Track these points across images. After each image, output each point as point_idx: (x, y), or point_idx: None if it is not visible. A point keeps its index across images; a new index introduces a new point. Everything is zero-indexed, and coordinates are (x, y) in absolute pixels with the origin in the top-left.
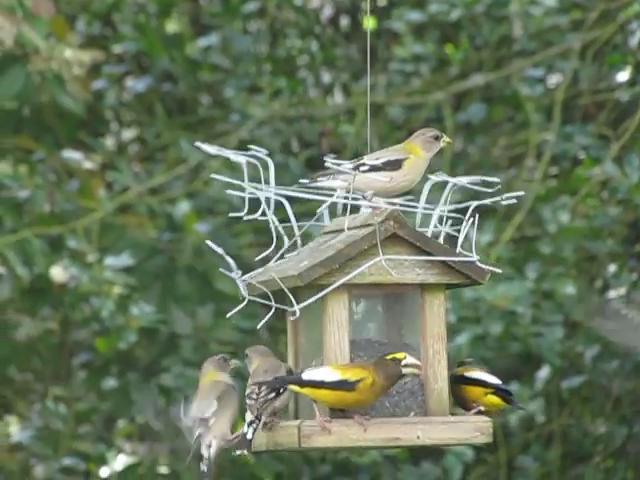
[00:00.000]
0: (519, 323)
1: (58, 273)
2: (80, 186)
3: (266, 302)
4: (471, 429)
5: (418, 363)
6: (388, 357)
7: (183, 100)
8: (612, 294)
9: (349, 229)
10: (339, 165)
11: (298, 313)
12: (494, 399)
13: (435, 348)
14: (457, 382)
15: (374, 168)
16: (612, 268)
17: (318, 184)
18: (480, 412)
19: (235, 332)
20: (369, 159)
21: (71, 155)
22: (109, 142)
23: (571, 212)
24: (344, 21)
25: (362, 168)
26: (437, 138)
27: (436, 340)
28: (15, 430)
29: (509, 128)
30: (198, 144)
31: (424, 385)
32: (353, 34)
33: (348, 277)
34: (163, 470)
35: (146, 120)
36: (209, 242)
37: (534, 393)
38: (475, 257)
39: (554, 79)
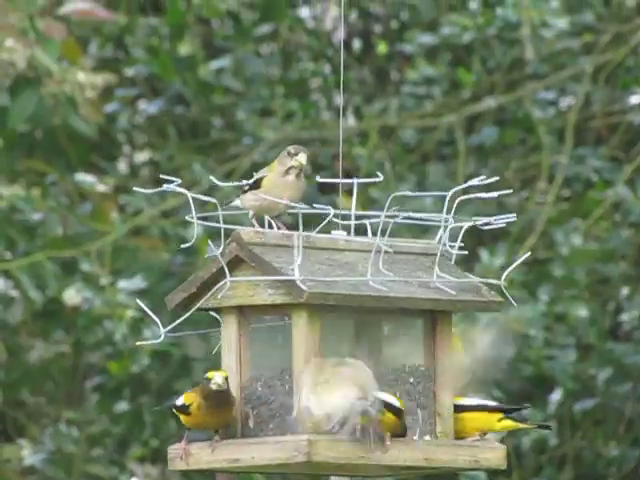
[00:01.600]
0: (532, 346)
1: (71, 296)
2: (93, 209)
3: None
4: (486, 452)
5: (221, 380)
6: (207, 376)
7: (195, 123)
8: (625, 316)
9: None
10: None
11: (163, 336)
12: (508, 423)
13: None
14: (455, 411)
15: (248, 188)
16: (625, 290)
17: (233, 202)
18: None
19: None
20: (250, 179)
21: (84, 178)
22: (122, 165)
23: (583, 235)
24: (356, 44)
25: (245, 188)
26: (290, 154)
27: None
28: (27, 454)
29: (521, 151)
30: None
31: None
32: (365, 57)
33: (201, 302)
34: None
35: (158, 143)
36: (210, 243)
37: (547, 416)
38: (297, 277)
39: (566, 102)
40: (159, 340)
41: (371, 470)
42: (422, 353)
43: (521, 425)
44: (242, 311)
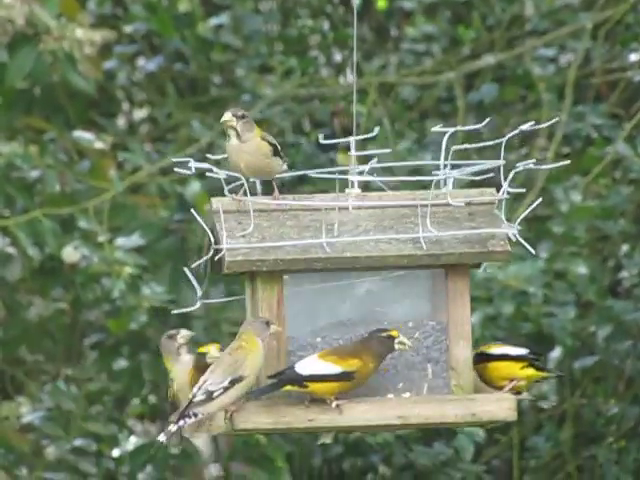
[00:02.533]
0: (531, 303)
1: (69, 253)
2: (91, 166)
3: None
4: (504, 407)
5: (408, 341)
6: (382, 334)
7: (194, 80)
8: (625, 273)
9: None
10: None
11: (198, 304)
12: (530, 371)
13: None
14: (481, 361)
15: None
16: (625, 248)
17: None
18: (513, 389)
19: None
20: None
21: (82, 135)
22: (120, 122)
23: (583, 192)
24: (356, 0)
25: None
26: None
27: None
28: (26, 411)
29: (521, 108)
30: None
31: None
32: (365, 13)
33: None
34: (174, 450)
35: (157, 100)
36: (193, 210)
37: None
38: (225, 245)
39: (566, 59)
40: (195, 307)
41: (330, 430)
42: (430, 307)
43: (543, 373)
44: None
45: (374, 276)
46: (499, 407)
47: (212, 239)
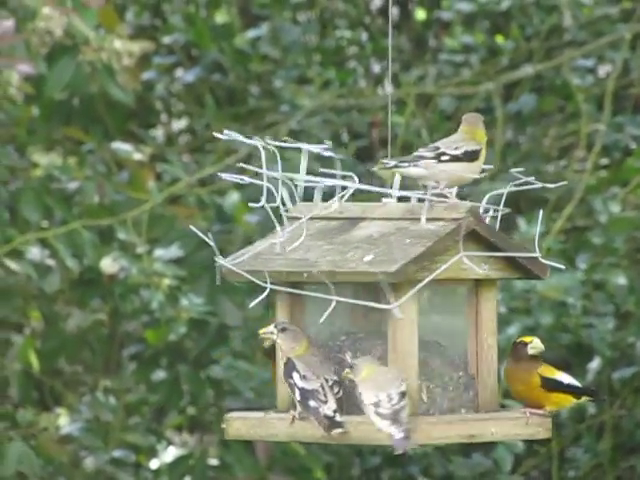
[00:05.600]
0: (570, 314)
1: (108, 265)
2: (130, 177)
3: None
4: (534, 424)
5: (541, 346)
6: (517, 341)
7: (233, 91)
8: None
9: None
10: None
11: (398, 312)
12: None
13: (489, 342)
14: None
15: (454, 158)
16: None
17: (400, 169)
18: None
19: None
20: (447, 148)
21: (121, 146)
22: (159, 133)
23: (622, 202)
24: (394, 11)
25: (443, 158)
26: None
27: (490, 334)
28: (65, 422)
29: (559, 118)
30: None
31: (477, 380)
32: (403, 25)
33: (436, 273)
34: (213, 462)
35: (196, 111)
36: (192, 227)
37: (585, 384)
38: (538, 253)
39: (604, 69)
40: (398, 316)
41: None
42: (463, 322)
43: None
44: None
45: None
46: (543, 428)
47: (460, 247)
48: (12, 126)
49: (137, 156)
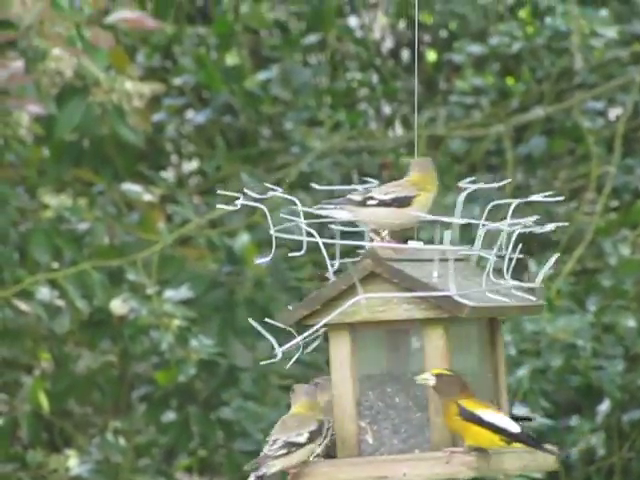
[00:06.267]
0: (580, 356)
1: (117, 306)
2: (140, 218)
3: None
4: (456, 463)
5: (429, 379)
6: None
7: (243, 132)
8: None
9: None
10: (346, 197)
11: (279, 355)
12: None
13: None
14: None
15: (382, 203)
16: None
17: (321, 212)
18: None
19: (295, 365)
20: (378, 193)
21: (131, 187)
22: (169, 174)
23: (632, 245)
24: (405, 53)
25: (369, 202)
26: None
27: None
28: (74, 463)
29: (570, 161)
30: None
31: (429, 420)
32: (413, 67)
33: (328, 318)
34: None
35: (206, 152)
36: (350, 265)
37: (595, 427)
38: (452, 292)
39: (615, 112)
40: (276, 360)
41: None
42: (480, 359)
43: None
44: (354, 328)
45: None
46: (551, 461)
47: (359, 289)
48: (22, 167)
49: (147, 197)
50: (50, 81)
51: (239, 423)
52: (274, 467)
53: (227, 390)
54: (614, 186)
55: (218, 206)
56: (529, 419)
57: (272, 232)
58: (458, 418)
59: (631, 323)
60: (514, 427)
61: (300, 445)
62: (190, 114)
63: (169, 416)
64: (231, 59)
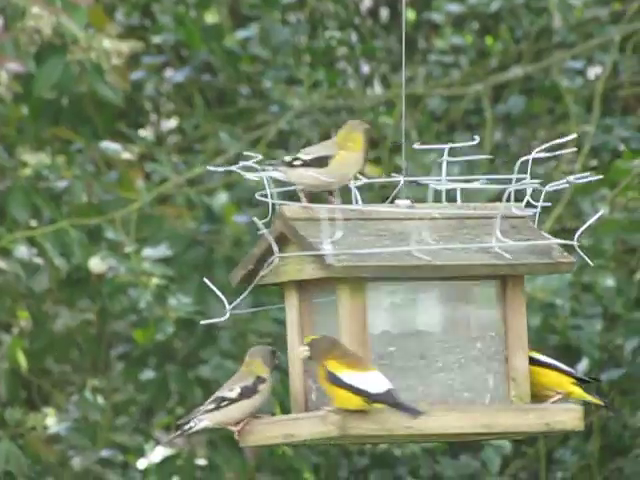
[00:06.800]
0: (558, 315)
1: (96, 264)
2: (118, 177)
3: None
4: (330, 422)
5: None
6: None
7: (222, 91)
8: None
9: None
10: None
11: (227, 315)
12: (578, 390)
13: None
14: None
15: (304, 164)
16: None
17: (265, 172)
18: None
19: (274, 323)
20: (304, 153)
21: (109, 146)
22: (148, 133)
23: (610, 204)
24: (384, 12)
25: (295, 162)
26: (357, 129)
27: (355, 336)
28: (52, 422)
29: (548, 120)
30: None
31: None
32: (392, 26)
33: (257, 279)
34: (201, 462)
35: (185, 111)
36: (256, 220)
37: None
38: (327, 252)
39: (594, 71)
40: (224, 318)
41: (415, 438)
42: (493, 318)
43: (588, 397)
44: (302, 286)
45: (439, 287)
46: (570, 417)
47: (275, 247)
48: (1, 125)
49: (126, 156)
50: (29, 39)
51: (217, 382)
52: (202, 422)
53: (205, 349)
54: (593, 145)
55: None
56: (597, 380)
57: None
58: (326, 381)
59: (609, 282)
60: (377, 387)
61: (231, 400)
62: (169, 72)
63: (147, 374)
64: (210, 17)
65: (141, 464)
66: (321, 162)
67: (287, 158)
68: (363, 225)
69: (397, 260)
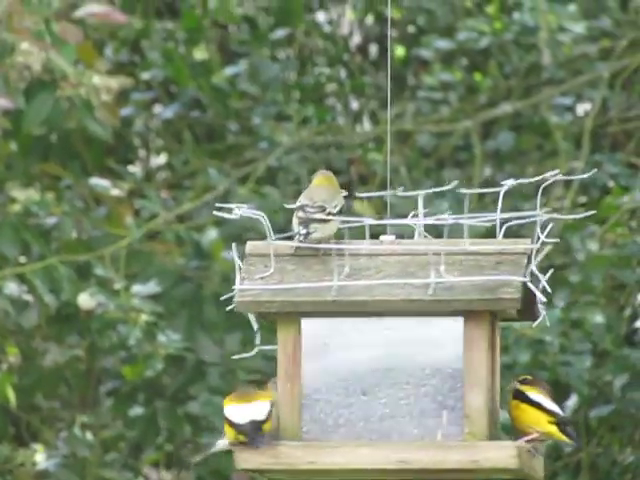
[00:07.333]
0: (547, 352)
1: (85, 300)
2: (107, 213)
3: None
4: (506, 454)
5: None
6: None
7: (211, 127)
8: None
9: None
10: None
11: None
12: (553, 429)
13: None
14: (515, 398)
15: (334, 214)
16: None
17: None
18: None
19: (263, 360)
20: (329, 205)
21: (99, 182)
22: (137, 169)
23: (600, 241)
24: (373, 49)
25: (329, 217)
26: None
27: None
28: (41, 458)
29: (538, 156)
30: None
31: None
32: (381, 62)
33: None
34: None
35: (174, 147)
36: (225, 253)
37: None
38: (237, 287)
39: (583, 107)
40: (252, 354)
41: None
42: (450, 354)
43: (561, 437)
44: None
45: (395, 323)
46: (501, 454)
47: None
48: None
49: (115, 192)
50: (18, 75)
51: (206, 418)
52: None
53: (194, 385)
54: (582, 182)
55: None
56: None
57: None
58: None
59: (599, 319)
60: (242, 418)
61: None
62: (158, 108)
63: (136, 411)
64: (199, 54)
65: None
66: (342, 211)
67: (318, 216)
68: (322, 261)
69: (316, 296)
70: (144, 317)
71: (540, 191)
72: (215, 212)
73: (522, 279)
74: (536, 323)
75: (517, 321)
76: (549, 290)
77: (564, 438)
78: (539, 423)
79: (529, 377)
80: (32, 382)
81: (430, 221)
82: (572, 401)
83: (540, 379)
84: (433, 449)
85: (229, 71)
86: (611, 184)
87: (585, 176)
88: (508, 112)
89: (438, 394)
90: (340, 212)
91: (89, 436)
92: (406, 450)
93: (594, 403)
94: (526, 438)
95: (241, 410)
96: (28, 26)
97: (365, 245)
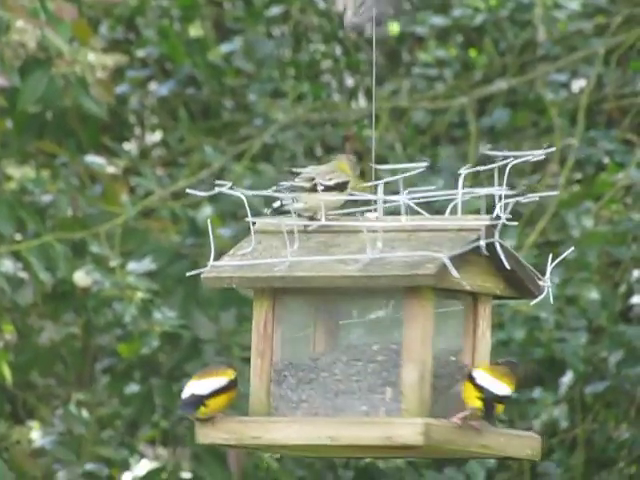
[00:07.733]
0: (542, 328)
1: (81, 278)
2: (103, 191)
3: None
4: (415, 431)
5: None
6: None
7: (206, 104)
8: (636, 299)
9: None
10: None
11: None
12: (478, 404)
13: None
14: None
15: (327, 188)
16: (636, 273)
17: (285, 208)
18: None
19: None
20: (320, 178)
21: (94, 160)
22: (132, 146)
23: (595, 217)
24: (368, 25)
25: (319, 188)
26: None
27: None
28: (37, 435)
29: (533, 133)
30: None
31: None
32: (377, 39)
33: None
34: (186, 475)
35: (169, 124)
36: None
37: (558, 399)
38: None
39: (578, 84)
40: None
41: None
42: (394, 330)
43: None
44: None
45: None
46: (410, 432)
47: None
48: None
49: (110, 169)
50: (13, 53)
51: None
52: None
53: (190, 362)
54: (577, 158)
55: (189, 190)
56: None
57: (249, 220)
58: None
59: (594, 295)
60: (185, 392)
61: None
62: (153, 86)
63: (132, 388)
64: (194, 31)
65: (126, 478)
66: (342, 188)
67: (305, 184)
68: (310, 237)
69: (259, 272)
70: (140, 294)
71: (508, 168)
72: (189, 190)
73: (439, 255)
74: (536, 300)
75: (514, 299)
76: (507, 265)
77: (482, 415)
78: (470, 398)
79: (502, 360)
80: (28, 360)
81: (393, 198)
82: (567, 377)
83: (512, 364)
84: (356, 426)
85: (224, 48)
86: (606, 161)
87: (540, 153)
88: (503, 89)
89: (384, 370)
90: (339, 190)
91: (85, 413)
92: (334, 427)
93: (589, 379)
94: (459, 415)
95: (193, 385)
96: (23, 4)
97: (331, 222)
